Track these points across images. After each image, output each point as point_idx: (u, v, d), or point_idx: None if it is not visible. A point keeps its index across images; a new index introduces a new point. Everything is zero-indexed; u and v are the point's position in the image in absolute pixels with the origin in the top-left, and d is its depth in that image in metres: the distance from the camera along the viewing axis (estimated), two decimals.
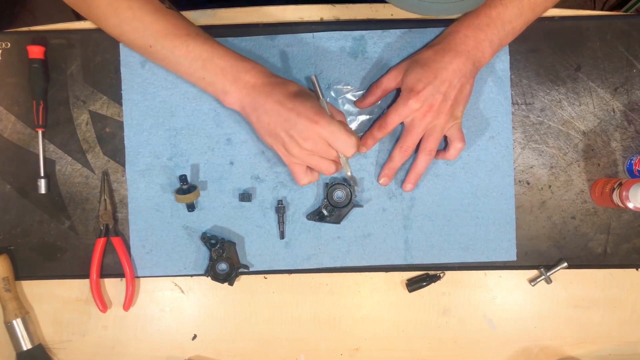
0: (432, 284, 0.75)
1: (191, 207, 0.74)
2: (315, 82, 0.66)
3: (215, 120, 0.74)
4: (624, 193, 0.66)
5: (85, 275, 0.74)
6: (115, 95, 0.74)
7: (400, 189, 0.74)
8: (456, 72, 0.65)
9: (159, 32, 0.63)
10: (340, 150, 0.63)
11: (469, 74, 0.66)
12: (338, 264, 0.75)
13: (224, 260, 0.73)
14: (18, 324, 0.73)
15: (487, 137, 0.74)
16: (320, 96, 0.66)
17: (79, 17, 0.70)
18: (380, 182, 0.73)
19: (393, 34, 0.74)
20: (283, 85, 0.63)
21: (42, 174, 0.74)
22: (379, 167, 0.74)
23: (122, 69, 0.74)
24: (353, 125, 0.74)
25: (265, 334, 0.76)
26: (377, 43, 0.74)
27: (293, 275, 0.76)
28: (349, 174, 0.69)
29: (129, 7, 0.62)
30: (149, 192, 0.74)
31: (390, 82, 0.71)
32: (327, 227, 0.74)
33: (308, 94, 0.65)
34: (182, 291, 0.76)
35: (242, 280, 0.76)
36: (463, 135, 0.70)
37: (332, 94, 0.74)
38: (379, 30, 0.74)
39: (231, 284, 0.74)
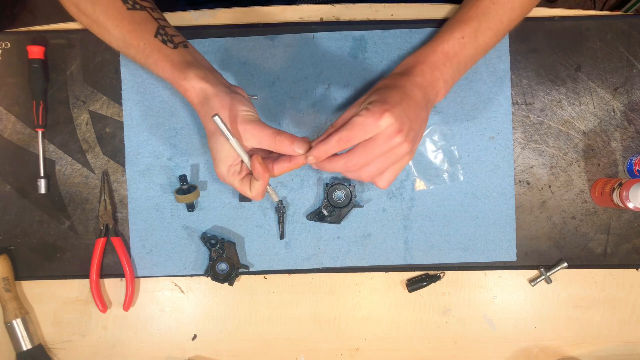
0: (432, 284, 0.75)
1: (191, 207, 0.74)
2: (219, 122, 0.56)
3: None
4: (624, 193, 0.66)
5: (85, 275, 0.74)
6: (115, 95, 0.74)
7: (400, 189, 0.74)
8: (418, 102, 0.60)
9: (119, 39, 0.62)
10: None
11: (426, 110, 0.61)
12: (338, 264, 0.75)
13: (224, 260, 0.73)
14: (18, 324, 0.73)
15: (487, 137, 0.74)
16: (229, 137, 0.57)
17: None
18: (308, 160, 0.59)
19: (393, 34, 0.74)
20: (204, 119, 0.60)
21: (42, 174, 0.74)
22: None
23: (122, 69, 0.74)
24: None
25: (265, 334, 0.76)
26: (377, 43, 0.74)
27: (293, 275, 0.76)
28: (275, 199, 0.68)
29: (93, 10, 0.62)
30: (149, 192, 0.74)
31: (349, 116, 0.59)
32: (327, 227, 0.74)
33: (218, 137, 0.59)
34: (182, 291, 0.76)
35: (242, 280, 0.76)
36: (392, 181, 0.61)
37: (334, 97, 0.74)
38: (379, 30, 0.74)
39: (231, 284, 0.74)
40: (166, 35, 0.62)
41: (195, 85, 0.59)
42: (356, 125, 0.56)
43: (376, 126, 0.55)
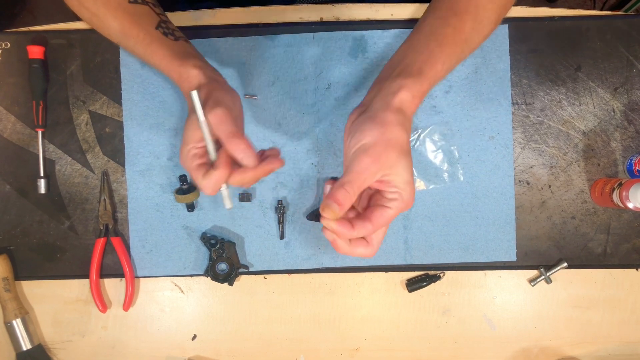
0: (432, 284, 0.75)
1: (191, 207, 0.74)
2: (195, 98, 0.55)
3: None
4: (624, 193, 0.66)
5: (85, 275, 0.74)
6: (115, 95, 0.74)
7: None
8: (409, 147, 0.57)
9: (118, 30, 0.62)
10: None
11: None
12: (338, 264, 0.75)
13: (224, 260, 0.73)
14: (18, 324, 0.73)
15: (487, 137, 0.74)
16: (199, 115, 0.55)
17: (78, 17, 0.70)
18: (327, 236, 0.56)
19: (393, 34, 0.74)
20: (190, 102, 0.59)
21: (42, 174, 0.74)
22: None
23: (122, 69, 0.74)
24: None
25: (265, 334, 0.76)
26: (377, 43, 0.74)
27: (293, 275, 0.76)
28: (227, 206, 0.60)
29: (95, 2, 0.62)
30: (149, 192, 0.74)
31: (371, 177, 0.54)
32: None
33: (192, 118, 0.58)
34: (182, 291, 0.76)
35: (242, 280, 0.76)
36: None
37: (333, 94, 0.74)
38: (379, 30, 0.74)
39: (231, 284, 0.74)
40: (167, 29, 0.62)
41: (189, 72, 0.59)
42: (389, 216, 0.55)
43: (406, 209, 0.55)
